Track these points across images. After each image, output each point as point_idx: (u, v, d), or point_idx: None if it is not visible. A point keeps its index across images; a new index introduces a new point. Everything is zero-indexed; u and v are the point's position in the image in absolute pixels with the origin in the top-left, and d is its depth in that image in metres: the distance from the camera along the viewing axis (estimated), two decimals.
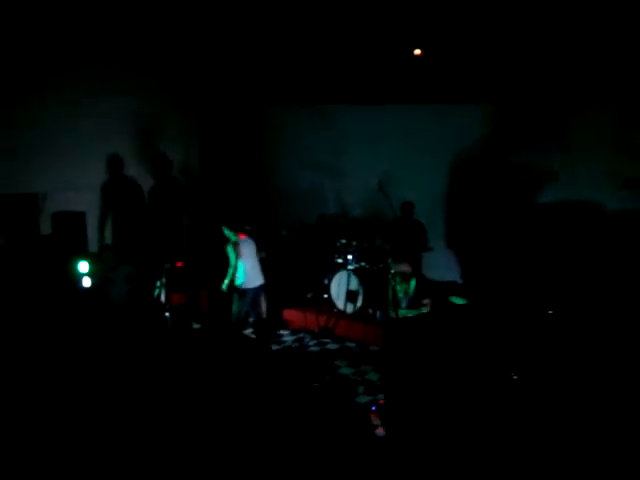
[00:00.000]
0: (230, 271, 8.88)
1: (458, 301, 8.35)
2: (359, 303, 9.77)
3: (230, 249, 8.89)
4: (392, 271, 7.60)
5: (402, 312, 7.63)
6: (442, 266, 10.24)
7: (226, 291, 8.95)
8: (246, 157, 12.53)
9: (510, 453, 5.86)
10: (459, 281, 10.45)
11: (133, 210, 10.95)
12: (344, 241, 10.22)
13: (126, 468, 5.73)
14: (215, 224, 9.54)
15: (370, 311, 9.80)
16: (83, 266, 8.60)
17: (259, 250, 9.24)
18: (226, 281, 8.88)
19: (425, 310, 7.61)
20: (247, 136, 12.50)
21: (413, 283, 7.70)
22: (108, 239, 10.51)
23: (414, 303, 7.68)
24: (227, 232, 8.98)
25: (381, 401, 7.26)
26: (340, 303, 9.99)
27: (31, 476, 5.64)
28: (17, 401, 6.72)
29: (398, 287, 7.64)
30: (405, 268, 7.70)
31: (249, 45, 11.12)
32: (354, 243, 10.12)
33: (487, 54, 9.55)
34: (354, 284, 9.79)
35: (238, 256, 8.86)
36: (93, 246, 9.87)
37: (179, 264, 9.68)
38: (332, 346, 9.42)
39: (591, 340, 7.44)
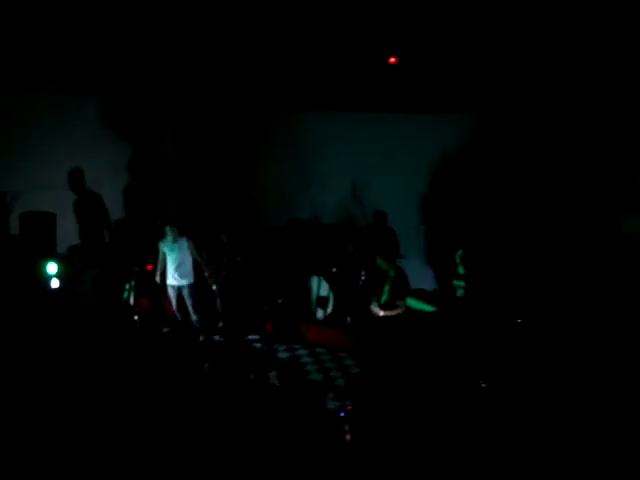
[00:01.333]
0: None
1: (416, 305, 8.36)
2: (329, 309, 9.78)
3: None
4: (363, 274, 7.64)
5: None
6: (412, 274, 10.28)
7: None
8: (220, 162, 12.46)
9: (477, 459, 5.90)
10: (428, 289, 10.51)
11: (103, 211, 10.82)
12: (316, 247, 10.23)
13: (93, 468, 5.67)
14: (189, 226, 9.56)
15: (342, 317, 9.81)
16: (52, 267, 8.50)
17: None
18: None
19: (396, 312, 7.58)
20: (222, 140, 12.43)
21: (390, 281, 7.69)
22: (76, 241, 10.37)
23: (388, 303, 7.66)
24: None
25: (349, 407, 7.26)
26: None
27: None
28: None
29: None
30: (386, 267, 7.71)
31: (225, 51, 11.08)
32: (325, 249, 10.13)
33: (465, 64, 9.64)
34: (325, 290, 9.80)
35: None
36: (62, 247, 9.73)
37: (149, 267, 9.63)
38: (302, 352, 9.42)
39: (561, 348, 7.52)
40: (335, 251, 10.20)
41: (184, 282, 9.49)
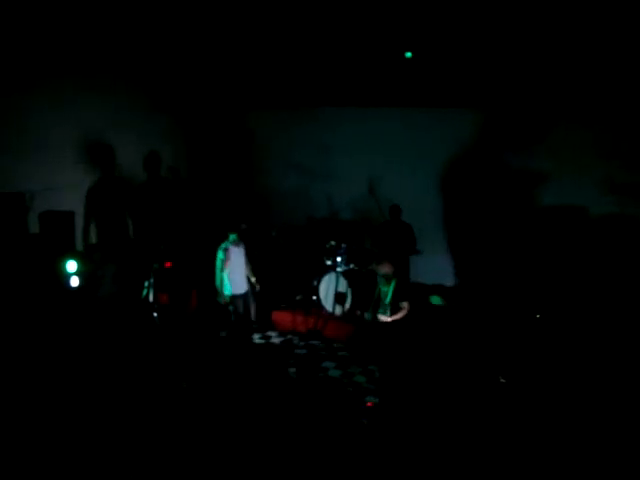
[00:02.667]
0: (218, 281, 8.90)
1: (435, 300, 8.33)
2: (347, 305, 9.79)
3: (221, 253, 8.90)
4: (378, 274, 7.65)
5: (368, 314, 7.66)
6: (430, 269, 10.27)
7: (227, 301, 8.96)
8: (236, 159, 12.52)
9: (499, 455, 5.90)
10: (446, 284, 10.49)
11: (122, 209, 10.90)
12: (333, 243, 10.25)
13: (113, 464, 5.72)
14: (205, 224, 9.52)
15: (358, 313, 9.80)
16: (71, 265, 8.56)
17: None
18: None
19: (401, 314, 7.53)
20: (237, 139, 12.49)
21: (393, 284, 7.65)
22: (95, 239, 10.45)
23: (392, 305, 7.63)
24: (233, 236, 8.99)
25: (369, 404, 7.27)
26: (329, 305, 10.00)
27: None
28: (6, 399, 6.68)
29: (384, 289, 7.65)
30: (386, 269, 7.69)
31: (237, 46, 11.11)
32: (343, 245, 10.14)
33: (478, 59, 9.60)
34: (343, 286, 9.81)
35: (226, 262, 8.88)
36: (81, 245, 9.80)
37: (168, 264, 9.66)
38: (320, 347, 9.43)
39: (579, 344, 7.49)
40: (352, 247, 10.17)
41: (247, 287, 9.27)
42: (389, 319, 7.41)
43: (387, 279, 7.66)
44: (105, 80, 10.62)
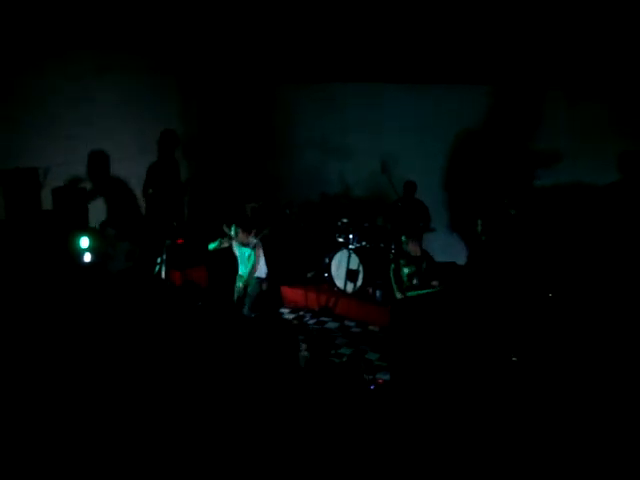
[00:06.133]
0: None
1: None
2: (359, 282, 9.77)
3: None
4: (393, 247, 7.62)
5: (411, 293, 7.62)
6: (443, 247, 10.20)
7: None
8: (250, 135, 12.48)
9: (510, 437, 5.89)
10: (459, 262, 10.44)
11: (133, 186, 10.93)
12: (345, 220, 10.22)
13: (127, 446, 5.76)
14: (217, 202, 9.51)
15: (370, 290, 9.80)
16: (84, 242, 8.60)
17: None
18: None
19: (435, 290, 7.54)
20: (251, 114, 12.44)
21: (424, 265, 7.66)
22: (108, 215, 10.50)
23: (423, 284, 7.63)
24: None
25: (380, 380, 7.28)
26: (340, 282, 10.00)
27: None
28: (18, 374, 6.74)
29: (406, 269, 7.63)
30: (415, 248, 7.67)
31: (251, 21, 11.02)
32: (355, 223, 10.11)
33: (491, 35, 9.45)
34: (355, 263, 9.79)
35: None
36: (94, 222, 9.84)
37: (180, 241, 9.68)
38: (331, 325, 9.46)
39: (591, 323, 7.44)
40: (364, 224, 10.14)
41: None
42: None
43: (414, 260, 7.65)
44: (121, 57, 10.60)
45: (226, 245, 8.94)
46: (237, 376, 6.87)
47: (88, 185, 10.13)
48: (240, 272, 8.98)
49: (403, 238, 7.78)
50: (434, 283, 7.52)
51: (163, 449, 5.76)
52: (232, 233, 8.74)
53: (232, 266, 9.17)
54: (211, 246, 9.01)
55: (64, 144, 9.77)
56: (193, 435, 5.92)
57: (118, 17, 10.27)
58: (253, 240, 8.84)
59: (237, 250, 8.93)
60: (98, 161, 10.48)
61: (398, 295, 7.61)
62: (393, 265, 7.70)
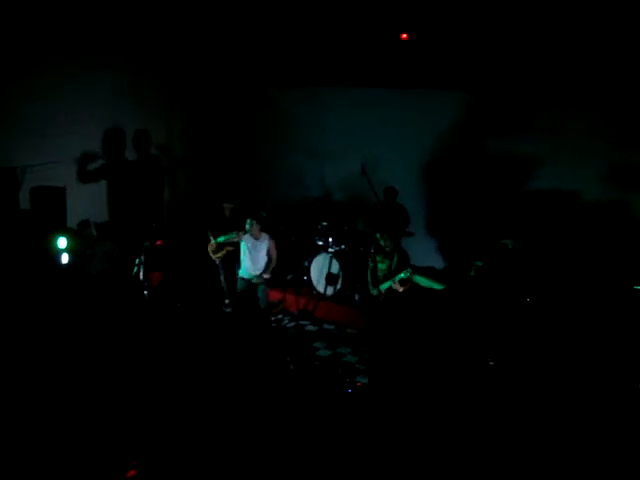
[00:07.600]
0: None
1: (425, 283, 8.33)
2: (339, 286, 9.79)
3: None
4: (372, 250, 7.67)
5: (383, 286, 7.65)
6: (421, 252, 10.25)
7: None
8: (231, 137, 12.44)
9: (487, 437, 5.94)
10: (437, 267, 10.50)
11: (113, 186, 10.86)
12: (325, 224, 10.23)
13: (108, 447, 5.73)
14: (197, 203, 9.49)
15: (348, 294, 9.81)
16: (62, 242, 8.52)
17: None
18: None
19: (404, 275, 7.55)
20: (233, 116, 12.40)
21: (395, 258, 7.72)
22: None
23: (402, 280, 7.67)
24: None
25: (358, 384, 7.31)
26: (320, 286, 10.00)
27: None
28: None
29: (382, 265, 7.68)
30: (388, 243, 7.73)
31: (235, 26, 11.00)
32: (335, 226, 10.12)
33: (474, 41, 9.53)
34: (334, 267, 9.80)
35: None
36: (72, 222, 9.75)
37: (159, 242, 9.62)
38: (311, 328, 9.45)
39: (568, 328, 7.52)
40: (344, 228, 10.16)
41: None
42: (400, 289, 7.45)
43: (388, 255, 7.71)
44: (102, 58, 10.54)
45: (236, 240, 8.95)
46: (220, 377, 6.87)
47: (66, 184, 10.02)
48: (245, 267, 8.97)
49: (377, 235, 7.86)
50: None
51: (149, 446, 5.75)
52: (247, 226, 8.79)
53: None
54: (220, 239, 9.08)
55: (43, 144, 9.68)
56: (175, 433, 5.91)
57: (101, 18, 10.21)
58: (265, 234, 8.94)
59: (247, 244, 8.91)
60: (76, 161, 10.40)
61: (373, 291, 7.67)
62: (372, 264, 7.75)
